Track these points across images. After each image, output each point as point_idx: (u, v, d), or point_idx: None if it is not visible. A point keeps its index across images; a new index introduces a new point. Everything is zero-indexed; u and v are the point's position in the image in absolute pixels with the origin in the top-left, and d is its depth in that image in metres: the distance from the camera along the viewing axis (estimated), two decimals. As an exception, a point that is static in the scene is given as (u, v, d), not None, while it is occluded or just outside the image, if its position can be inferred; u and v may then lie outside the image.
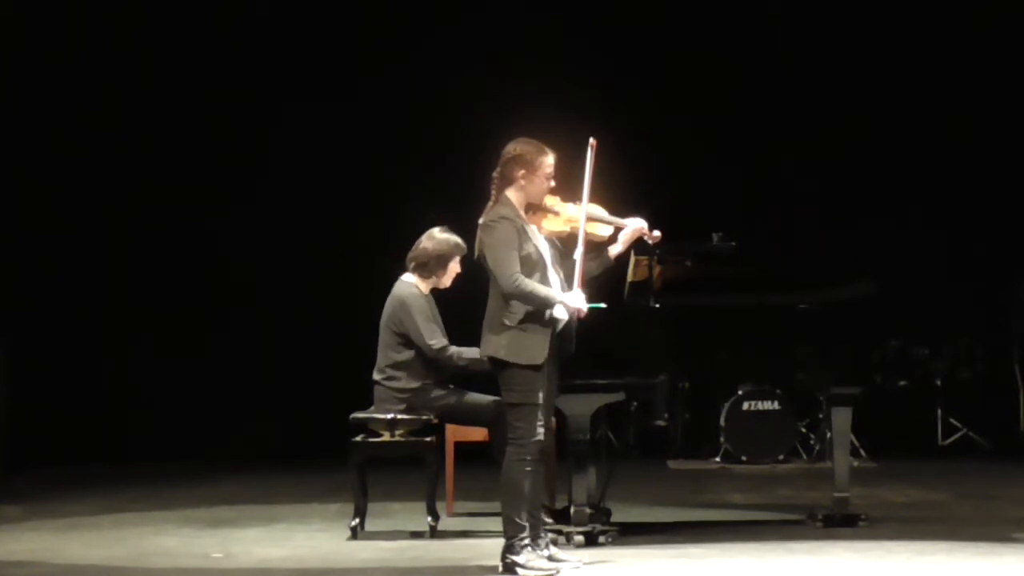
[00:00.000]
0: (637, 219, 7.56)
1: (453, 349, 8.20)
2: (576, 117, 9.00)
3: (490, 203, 7.15)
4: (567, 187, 7.32)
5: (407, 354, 8.21)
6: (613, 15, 12.29)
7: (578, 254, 7.19)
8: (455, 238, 8.36)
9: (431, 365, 8.22)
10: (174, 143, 12.41)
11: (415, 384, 8.20)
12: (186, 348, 12.41)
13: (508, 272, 6.95)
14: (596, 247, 7.40)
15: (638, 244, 7.72)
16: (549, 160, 7.15)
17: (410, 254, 8.39)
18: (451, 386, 8.31)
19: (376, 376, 8.29)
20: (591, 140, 7.27)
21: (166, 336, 12.46)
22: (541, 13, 12.15)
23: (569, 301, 7.08)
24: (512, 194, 7.12)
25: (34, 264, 12.15)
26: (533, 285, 6.99)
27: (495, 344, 7.02)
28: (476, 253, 7.16)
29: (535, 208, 7.22)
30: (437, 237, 8.38)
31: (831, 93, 12.25)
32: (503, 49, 12.00)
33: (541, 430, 7.04)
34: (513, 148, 7.14)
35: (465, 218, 7.74)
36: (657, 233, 7.60)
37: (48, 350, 12.14)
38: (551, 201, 7.28)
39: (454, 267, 8.38)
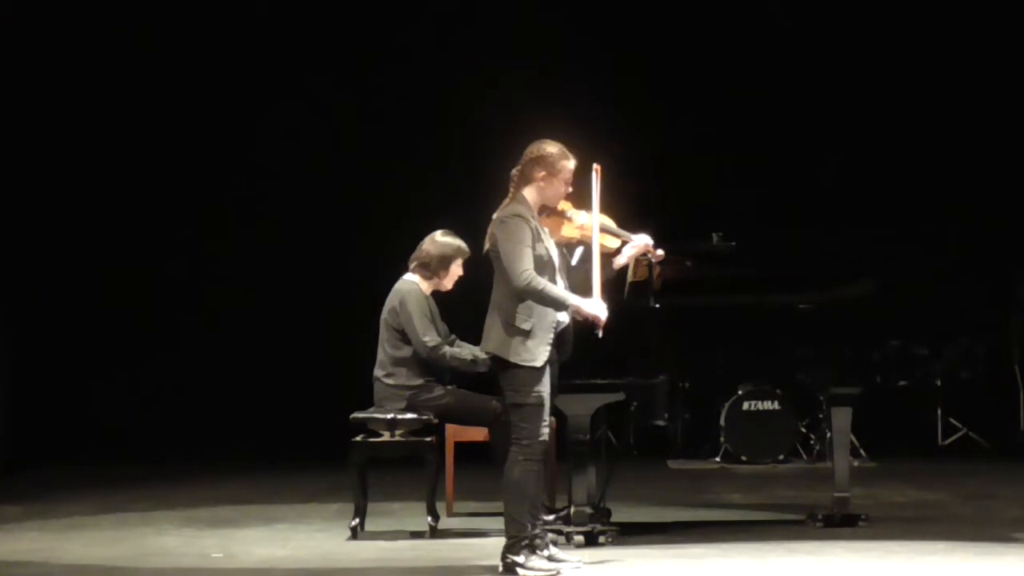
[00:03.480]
0: (644, 235, 7.61)
1: (446, 349, 8.20)
2: (582, 121, 9.03)
3: (506, 200, 7.13)
4: (576, 202, 7.35)
5: (406, 350, 8.21)
6: (615, 15, 12.30)
7: (594, 263, 7.19)
8: (458, 241, 8.38)
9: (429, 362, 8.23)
10: (173, 143, 12.41)
11: (415, 381, 8.21)
12: (186, 348, 12.42)
13: (520, 268, 6.93)
14: (602, 258, 7.40)
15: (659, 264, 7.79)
16: (570, 165, 7.15)
17: (413, 255, 8.41)
18: (451, 385, 8.32)
19: (377, 373, 8.30)
20: (595, 166, 7.28)
21: (166, 336, 12.46)
22: (545, 13, 12.16)
23: (587, 307, 7.06)
24: (529, 193, 7.11)
25: (34, 264, 12.15)
26: (545, 284, 6.97)
27: (497, 343, 7.02)
28: (486, 247, 7.13)
29: (549, 211, 7.23)
30: (439, 240, 8.40)
31: (830, 92, 12.26)
32: (506, 51, 12.00)
33: (546, 430, 7.05)
34: (537, 148, 7.12)
35: (467, 219, 7.74)
36: (661, 252, 7.67)
37: (48, 350, 12.15)
38: (564, 206, 7.30)
39: (456, 269, 8.39)
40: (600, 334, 7.09)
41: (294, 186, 12.46)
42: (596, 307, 7.08)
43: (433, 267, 8.36)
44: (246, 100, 12.40)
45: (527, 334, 6.98)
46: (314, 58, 12.42)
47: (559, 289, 7.06)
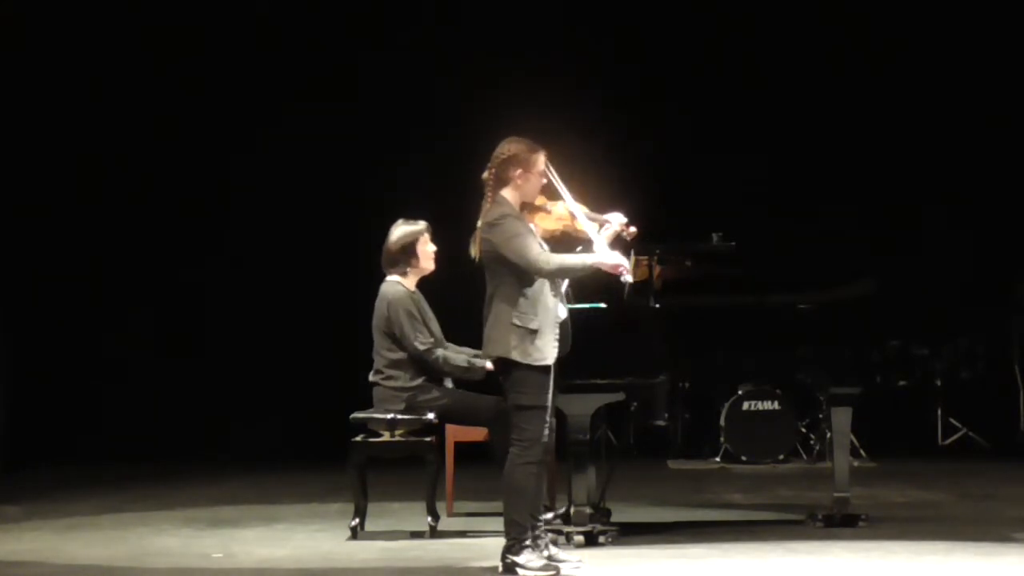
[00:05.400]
0: (616, 214, 7.56)
1: (439, 352, 8.18)
2: (573, 115, 9.04)
3: (486, 205, 7.11)
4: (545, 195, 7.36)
5: (401, 353, 8.19)
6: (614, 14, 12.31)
7: (588, 229, 7.16)
8: (411, 225, 8.32)
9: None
10: (174, 143, 12.41)
11: (413, 383, 8.19)
12: (186, 348, 12.41)
13: (534, 255, 6.92)
14: (585, 244, 7.39)
15: (635, 244, 7.74)
16: (542, 157, 7.14)
17: (381, 259, 8.38)
18: (450, 385, 8.31)
19: (373, 377, 8.27)
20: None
21: (166, 336, 12.46)
22: (544, 12, 12.16)
23: (606, 259, 7.04)
24: (508, 194, 7.10)
25: (34, 264, 12.15)
26: (561, 256, 6.99)
27: (505, 345, 6.98)
28: (477, 257, 7.11)
29: (529, 207, 7.22)
30: (395, 233, 8.35)
31: (831, 90, 12.26)
32: (506, 51, 12.01)
33: (547, 432, 7.05)
34: (507, 148, 7.11)
35: (465, 218, 7.73)
36: (633, 229, 7.59)
37: (48, 350, 12.15)
38: (540, 200, 7.29)
39: (424, 249, 8.33)
40: (630, 279, 7.07)
41: (294, 186, 12.45)
42: (612, 256, 7.06)
43: (401, 259, 8.31)
44: (247, 100, 12.39)
45: (535, 334, 6.97)
46: (313, 57, 12.42)
47: (575, 255, 7.05)
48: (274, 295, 12.42)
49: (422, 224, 8.33)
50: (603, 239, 7.18)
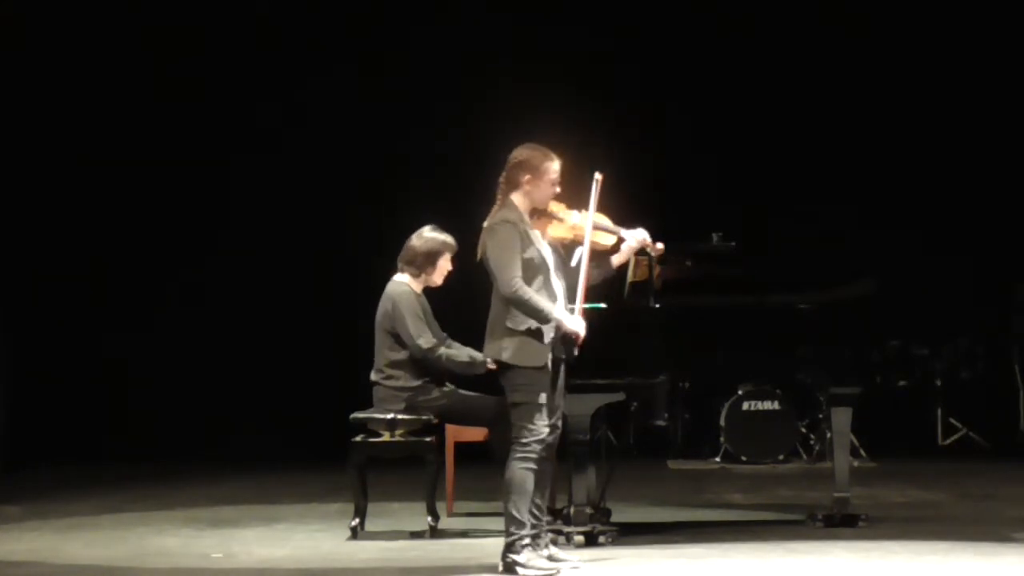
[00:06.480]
0: (640, 230, 7.62)
1: (442, 350, 8.18)
2: (573, 116, 9.03)
3: (495, 207, 7.17)
4: (570, 201, 7.36)
5: (403, 353, 8.19)
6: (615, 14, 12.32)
7: (582, 267, 7.20)
8: (444, 236, 8.35)
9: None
10: (172, 141, 12.41)
11: (413, 383, 8.19)
12: (186, 347, 12.41)
13: (508, 276, 6.97)
14: (599, 255, 7.42)
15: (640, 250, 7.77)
16: (555, 166, 7.18)
17: (400, 254, 8.39)
18: (450, 385, 8.31)
19: (374, 377, 8.28)
20: (597, 175, 7.31)
21: (166, 336, 12.47)
22: (543, 14, 12.17)
23: (568, 323, 7.08)
24: (517, 199, 7.15)
25: (34, 264, 12.15)
26: (531, 294, 7.00)
27: (499, 347, 7.04)
28: (479, 255, 7.16)
29: (540, 213, 7.25)
30: (425, 235, 8.36)
31: (831, 91, 12.26)
32: (506, 54, 12.01)
33: (545, 430, 7.05)
34: (519, 153, 7.16)
35: (464, 220, 7.74)
36: (660, 245, 7.67)
37: (48, 350, 12.15)
38: (556, 207, 7.32)
39: (444, 265, 8.35)
40: (576, 352, 7.10)
41: (295, 186, 12.46)
42: (576, 323, 7.10)
43: (420, 263, 8.32)
44: (248, 99, 12.39)
45: (525, 336, 7.00)
46: (312, 57, 12.42)
47: (545, 302, 7.06)
48: (274, 295, 12.43)
49: (452, 241, 8.33)
50: (584, 279, 7.17)
